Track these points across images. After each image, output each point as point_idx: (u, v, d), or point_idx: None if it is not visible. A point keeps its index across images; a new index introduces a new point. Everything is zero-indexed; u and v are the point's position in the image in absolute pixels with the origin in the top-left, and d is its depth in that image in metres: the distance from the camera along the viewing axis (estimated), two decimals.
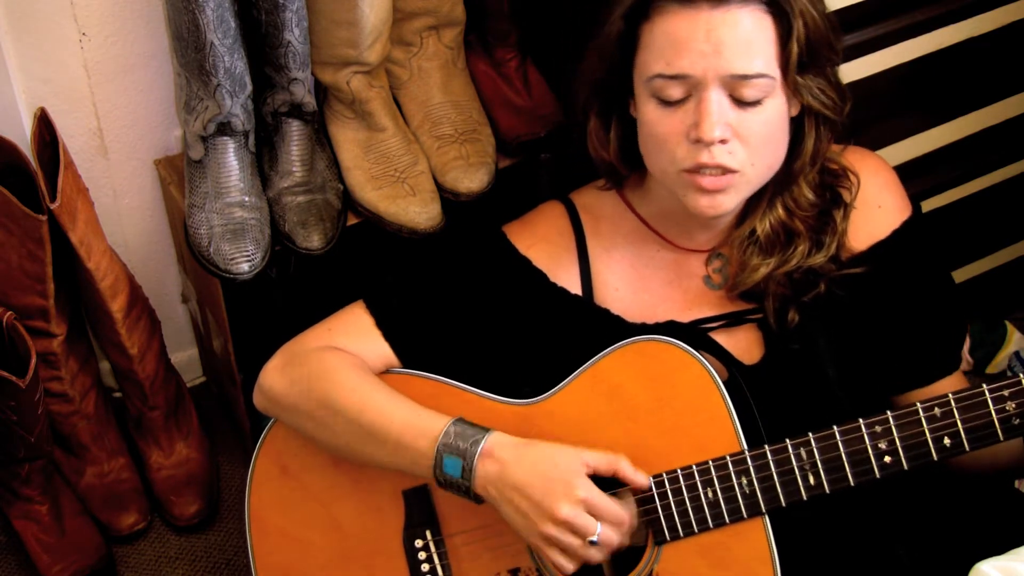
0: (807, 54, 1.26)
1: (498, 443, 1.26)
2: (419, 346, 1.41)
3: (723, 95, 1.24)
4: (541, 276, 1.41)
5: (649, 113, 1.28)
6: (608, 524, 1.25)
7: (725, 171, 1.26)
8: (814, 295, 1.37)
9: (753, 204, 1.36)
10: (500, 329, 1.41)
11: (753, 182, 1.29)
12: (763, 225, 1.35)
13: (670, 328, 1.38)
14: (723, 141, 1.24)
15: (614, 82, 1.33)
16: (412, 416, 1.31)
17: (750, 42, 1.23)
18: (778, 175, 1.34)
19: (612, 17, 1.30)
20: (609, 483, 1.30)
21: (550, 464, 1.25)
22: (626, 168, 1.38)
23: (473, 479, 1.26)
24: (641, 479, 1.28)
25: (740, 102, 1.24)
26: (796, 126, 1.32)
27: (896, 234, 1.40)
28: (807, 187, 1.35)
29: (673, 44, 1.23)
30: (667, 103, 1.26)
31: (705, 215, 1.29)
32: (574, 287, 1.41)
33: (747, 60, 1.22)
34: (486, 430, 1.28)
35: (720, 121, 1.23)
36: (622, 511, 1.26)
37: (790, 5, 1.24)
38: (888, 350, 1.41)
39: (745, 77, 1.23)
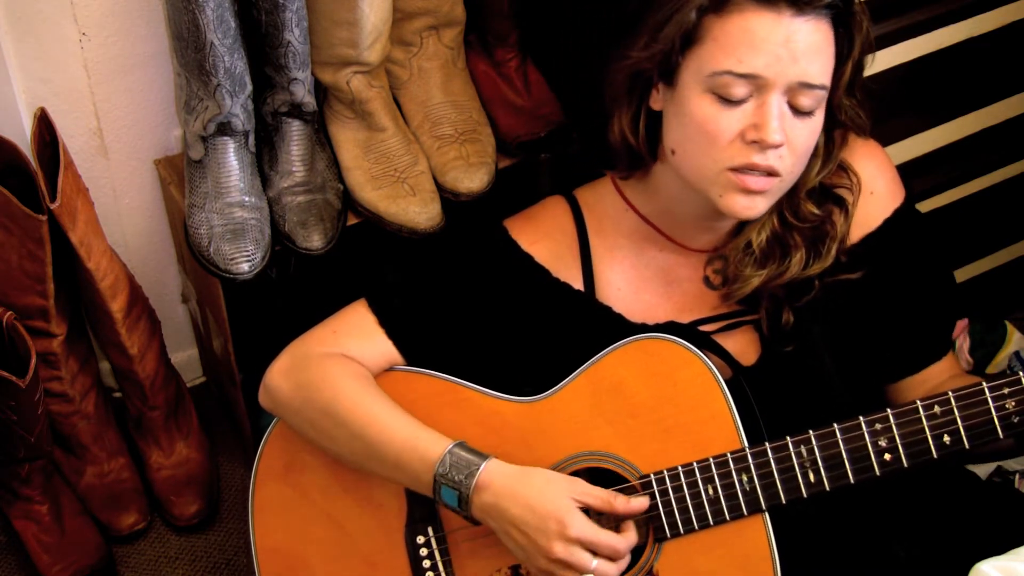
0: (853, 75, 1.29)
1: (494, 474, 1.27)
2: (422, 343, 1.41)
3: (783, 101, 1.25)
4: (543, 272, 1.41)
5: (703, 108, 1.27)
6: (604, 557, 1.26)
7: (771, 174, 1.26)
8: (809, 298, 1.37)
9: None
10: (502, 325, 1.41)
11: (785, 189, 1.31)
12: (759, 237, 1.35)
13: (670, 329, 1.38)
14: (779, 145, 1.25)
15: (656, 71, 1.32)
16: (412, 437, 1.31)
17: (819, 52, 1.24)
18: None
19: (683, 7, 1.27)
20: (610, 478, 1.31)
21: (544, 499, 1.25)
22: (651, 157, 1.37)
23: (470, 510, 1.28)
24: (637, 504, 1.29)
25: (796, 110, 1.25)
26: None
27: (888, 223, 1.41)
28: (809, 199, 1.36)
29: (750, 43, 1.23)
30: (727, 101, 1.25)
31: (740, 216, 1.29)
32: (576, 284, 1.41)
33: (815, 70, 1.24)
34: (483, 458, 1.28)
35: (781, 126, 1.24)
36: (617, 542, 1.26)
37: (857, 26, 1.26)
38: (878, 338, 1.41)
39: (811, 86, 1.24)
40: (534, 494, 1.26)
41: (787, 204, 1.35)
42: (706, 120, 1.27)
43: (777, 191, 1.30)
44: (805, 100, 1.25)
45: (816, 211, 1.36)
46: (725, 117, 1.26)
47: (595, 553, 1.25)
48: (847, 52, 1.27)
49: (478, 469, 1.27)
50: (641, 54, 1.32)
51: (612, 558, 1.26)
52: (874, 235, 1.40)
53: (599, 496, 1.28)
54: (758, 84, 1.24)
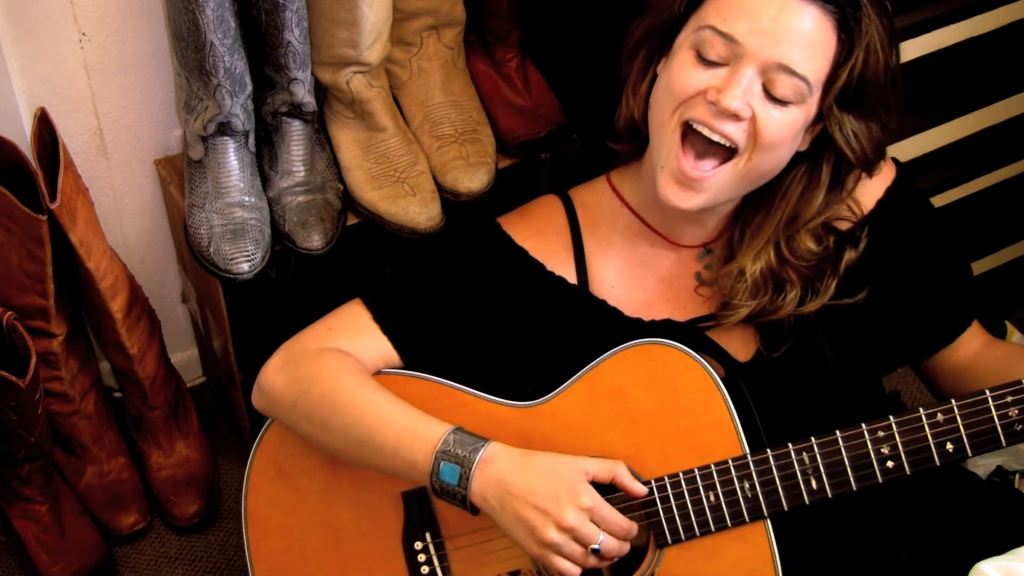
0: (855, 90, 1.26)
1: (498, 452, 1.26)
2: (418, 340, 1.41)
3: (757, 79, 1.24)
4: (538, 266, 1.41)
5: (682, 61, 1.27)
6: (611, 533, 1.24)
7: (721, 149, 1.25)
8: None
9: (750, 239, 1.36)
10: (498, 320, 1.41)
11: (737, 180, 1.29)
12: (753, 268, 1.35)
13: (667, 327, 1.38)
14: (738, 118, 1.24)
15: (665, 33, 1.33)
16: (411, 421, 1.30)
17: (810, 43, 1.23)
18: (784, 218, 1.33)
19: None
20: (608, 489, 1.30)
21: (552, 472, 1.24)
22: (645, 128, 1.36)
23: (470, 487, 1.25)
24: (638, 487, 1.28)
25: (770, 95, 1.24)
26: (811, 172, 1.32)
27: (882, 204, 1.40)
28: (808, 236, 1.35)
29: (741, 7, 1.24)
30: (702, 59, 1.26)
31: (669, 203, 1.29)
32: (570, 280, 1.41)
33: (799, 57, 1.23)
34: (485, 439, 1.27)
35: (744, 98, 1.23)
36: (625, 521, 1.25)
37: (859, 34, 1.24)
38: (903, 318, 1.41)
39: (789, 71, 1.23)
40: (543, 466, 1.24)
41: (784, 238, 1.35)
42: (679, 71, 1.27)
43: (722, 183, 1.28)
44: (781, 86, 1.24)
45: (815, 249, 1.35)
46: (695, 73, 1.26)
47: (603, 528, 1.24)
48: (844, 58, 1.25)
49: (483, 446, 1.26)
50: (650, 14, 1.34)
51: (620, 535, 1.25)
52: (870, 218, 1.39)
53: (604, 465, 1.26)
54: (736, 52, 1.24)
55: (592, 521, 1.23)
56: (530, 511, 1.23)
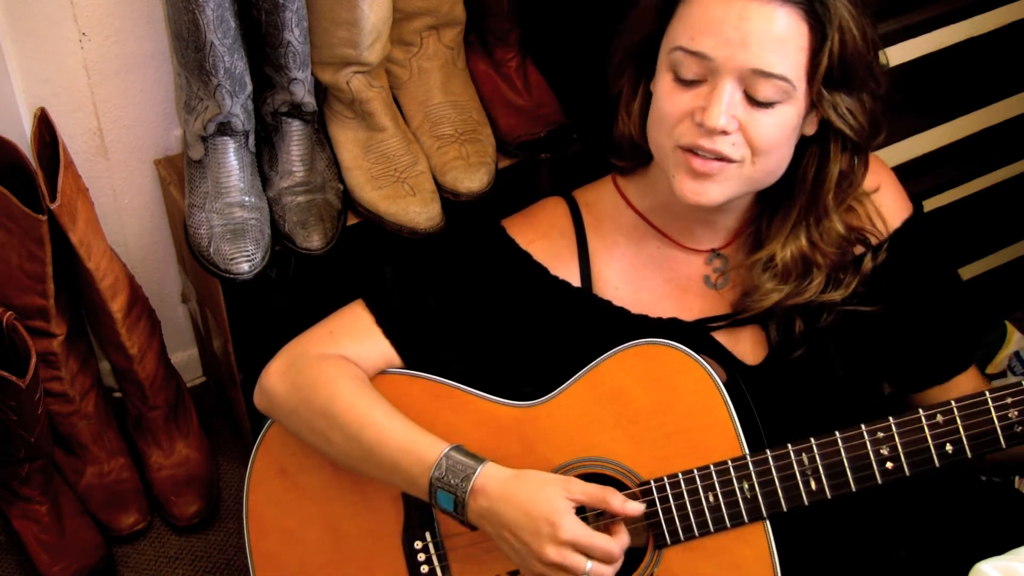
0: (840, 70, 1.25)
1: (488, 480, 1.25)
2: (420, 343, 1.41)
3: (738, 89, 1.23)
4: (542, 270, 1.41)
5: (662, 86, 1.27)
6: (597, 559, 1.24)
7: (721, 159, 1.25)
8: (820, 318, 1.37)
9: (778, 227, 1.35)
10: (501, 323, 1.41)
11: (746, 180, 1.28)
12: (784, 253, 1.34)
13: (673, 326, 1.38)
14: (726, 133, 1.23)
15: (646, 51, 1.33)
16: (408, 440, 1.30)
17: (780, 41, 1.22)
18: (806, 200, 1.33)
19: None
20: (611, 484, 1.30)
21: (533, 504, 1.23)
22: (645, 144, 1.36)
23: (466, 514, 1.26)
24: (632, 508, 1.26)
25: (754, 100, 1.23)
26: (822, 150, 1.32)
27: (897, 234, 1.40)
28: (839, 220, 1.35)
29: (703, 22, 1.23)
30: (681, 80, 1.25)
31: (688, 201, 1.28)
32: (574, 283, 1.41)
33: (772, 58, 1.21)
34: (479, 462, 1.27)
35: (728, 112, 1.23)
36: (610, 544, 1.24)
37: (829, 17, 1.23)
38: (901, 350, 1.41)
39: (765, 74, 1.22)
40: (527, 497, 1.24)
41: (813, 220, 1.34)
42: (661, 97, 1.27)
43: (735, 179, 1.27)
44: (762, 90, 1.23)
45: (843, 233, 1.35)
46: (677, 96, 1.26)
47: (589, 556, 1.23)
48: (820, 44, 1.23)
49: (474, 473, 1.26)
50: (627, 31, 1.33)
51: (606, 560, 1.25)
52: (889, 241, 1.40)
53: (593, 493, 1.26)
54: (710, 67, 1.23)
55: (577, 551, 1.23)
56: (517, 543, 1.24)
